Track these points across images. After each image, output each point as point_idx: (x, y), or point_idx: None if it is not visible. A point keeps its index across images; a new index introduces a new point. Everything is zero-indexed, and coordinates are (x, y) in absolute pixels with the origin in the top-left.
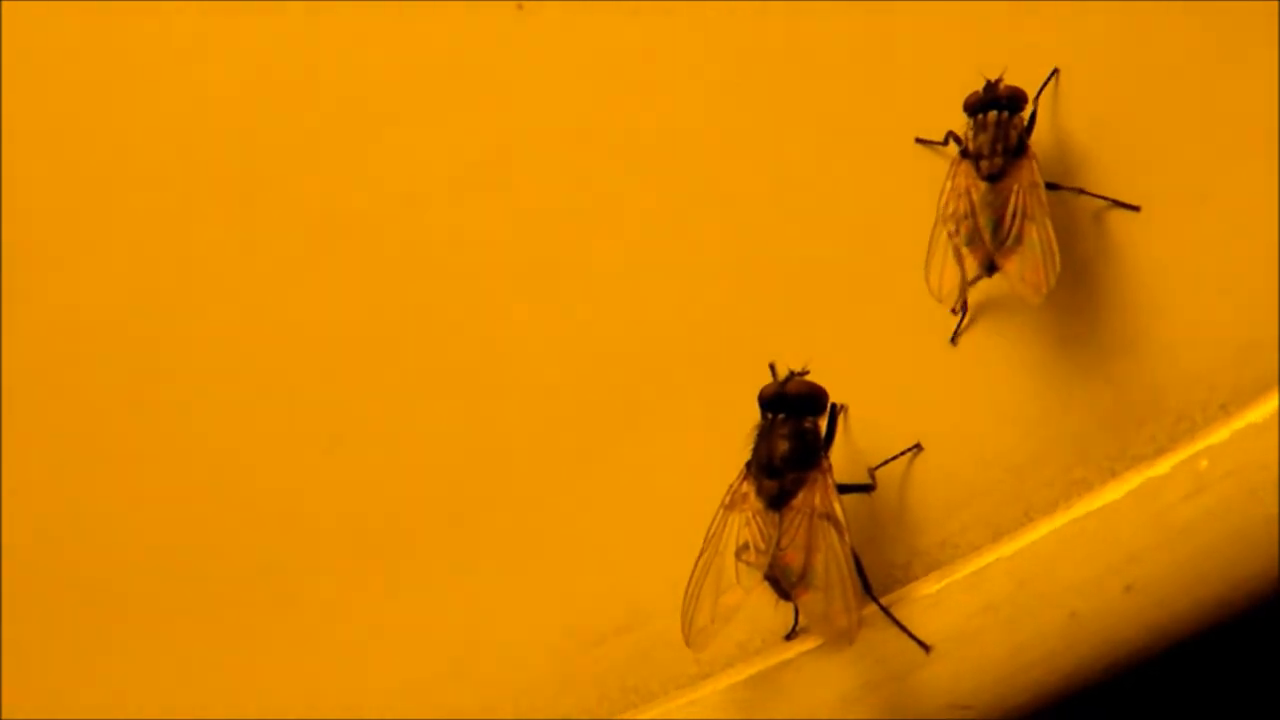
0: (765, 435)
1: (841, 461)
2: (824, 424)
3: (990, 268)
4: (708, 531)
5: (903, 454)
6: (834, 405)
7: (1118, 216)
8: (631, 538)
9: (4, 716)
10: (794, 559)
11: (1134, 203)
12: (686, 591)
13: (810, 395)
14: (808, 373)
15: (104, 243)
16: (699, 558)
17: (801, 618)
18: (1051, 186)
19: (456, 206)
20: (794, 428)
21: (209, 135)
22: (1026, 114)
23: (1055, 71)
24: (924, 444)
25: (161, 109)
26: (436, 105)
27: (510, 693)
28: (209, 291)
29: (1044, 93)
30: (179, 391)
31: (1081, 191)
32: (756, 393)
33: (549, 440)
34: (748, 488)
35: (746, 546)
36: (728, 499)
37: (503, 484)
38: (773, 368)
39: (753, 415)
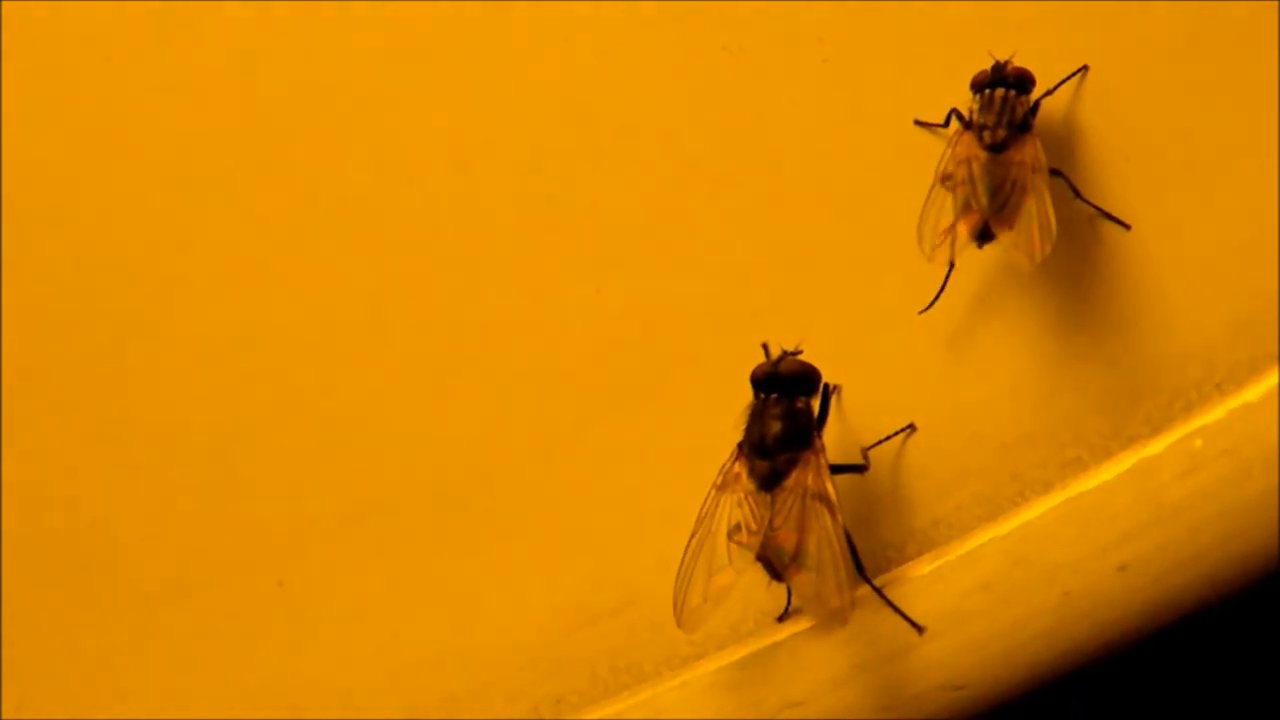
0: (757, 415)
1: (834, 441)
2: (816, 404)
3: (983, 235)
4: (699, 512)
5: (896, 434)
6: (827, 385)
7: (1113, 195)
8: (623, 519)
9: (4, 717)
10: (786, 540)
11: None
12: (678, 573)
13: (803, 375)
14: (800, 352)
15: (97, 227)
16: (691, 539)
17: (794, 599)
18: (1054, 173)
19: (447, 189)
20: (786, 408)
21: (204, 120)
22: (1033, 97)
23: (1084, 68)
24: (917, 424)
25: (155, 92)
26: (429, 87)
27: (501, 674)
28: (197, 278)
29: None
30: (170, 379)
31: (1077, 195)
32: (749, 372)
33: (540, 421)
34: (740, 468)
35: (739, 527)
36: (719, 480)
37: (494, 465)
38: (765, 347)
39: (745, 395)
